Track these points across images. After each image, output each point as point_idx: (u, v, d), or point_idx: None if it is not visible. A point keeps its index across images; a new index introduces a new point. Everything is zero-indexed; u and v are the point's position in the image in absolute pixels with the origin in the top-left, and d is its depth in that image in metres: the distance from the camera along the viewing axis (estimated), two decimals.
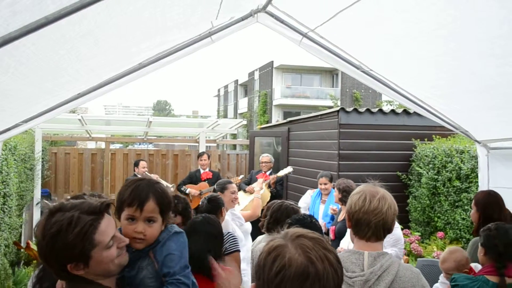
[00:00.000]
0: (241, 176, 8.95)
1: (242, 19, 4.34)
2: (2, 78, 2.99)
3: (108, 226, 1.94)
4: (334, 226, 5.75)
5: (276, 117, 40.69)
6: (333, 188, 6.40)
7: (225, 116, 57.07)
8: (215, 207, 4.51)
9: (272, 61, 41.97)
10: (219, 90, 64.03)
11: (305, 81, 43.27)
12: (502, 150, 5.18)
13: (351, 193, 2.63)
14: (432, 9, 3.11)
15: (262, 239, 4.44)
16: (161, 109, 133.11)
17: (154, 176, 8.84)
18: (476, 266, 3.64)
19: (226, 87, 59.39)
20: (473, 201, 4.25)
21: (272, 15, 4.23)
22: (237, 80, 53.70)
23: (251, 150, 11.61)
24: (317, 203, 6.69)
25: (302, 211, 5.88)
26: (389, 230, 2.53)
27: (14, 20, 2.16)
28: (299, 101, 41.34)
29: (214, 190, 5.23)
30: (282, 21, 4.28)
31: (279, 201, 4.26)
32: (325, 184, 6.61)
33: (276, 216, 4.04)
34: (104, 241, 1.89)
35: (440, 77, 4.27)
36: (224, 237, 3.84)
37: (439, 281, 3.85)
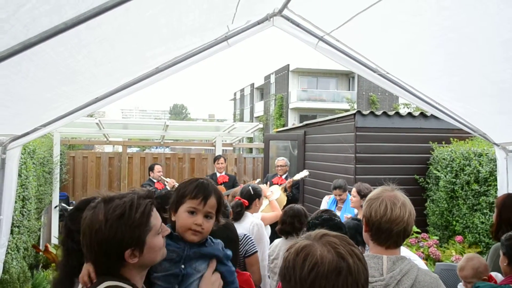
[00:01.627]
0: (258, 180, 8.95)
1: (258, 23, 4.35)
2: (21, 82, 3.04)
3: (157, 212, 2.01)
4: None
5: (292, 121, 40.63)
6: (349, 193, 6.38)
7: (241, 119, 57.16)
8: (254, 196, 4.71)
9: (288, 65, 41.97)
10: (235, 94, 64.18)
11: (321, 84, 43.19)
12: None
13: (369, 197, 2.60)
14: (445, 13, 3.10)
15: (279, 243, 4.44)
16: (178, 112, 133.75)
17: (171, 181, 8.87)
18: (497, 276, 3.59)
19: (242, 90, 59.49)
20: (495, 204, 4.23)
21: (288, 18, 4.24)
22: (253, 84, 53.78)
23: (266, 154, 11.61)
24: (332, 210, 6.66)
25: None
26: (408, 235, 2.51)
27: (33, 26, 2.20)
28: (315, 104, 41.26)
29: (249, 193, 5.20)
30: (298, 25, 4.29)
31: (296, 206, 4.26)
32: (340, 195, 6.59)
33: (293, 222, 4.04)
34: (156, 226, 1.95)
35: (456, 80, 4.24)
36: (242, 240, 3.86)
37: None
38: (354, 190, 5.96)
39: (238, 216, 4.84)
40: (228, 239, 3.34)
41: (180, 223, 2.32)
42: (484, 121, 4.99)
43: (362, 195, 5.62)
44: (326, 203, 6.92)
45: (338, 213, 6.44)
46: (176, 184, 8.68)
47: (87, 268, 1.91)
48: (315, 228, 3.20)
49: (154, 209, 1.97)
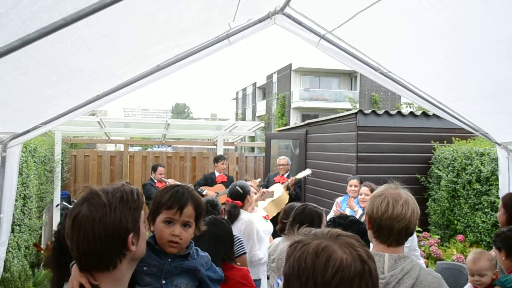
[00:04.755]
0: (259, 179, 8.94)
1: (260, 21, 4.34)
2: (21, 79, 3.03)
3: None
4: None
5: (295, 120, 40.62)
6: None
7: (243, 119, 57.15)
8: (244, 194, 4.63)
9: (291, 64, 41.92)
10: (237, 93, 64.19)
11: (324, 84, 43.17)
12: None
13: (372, 195, 2.59)
14: (447, 12, 3.09)
15: (280, 241, 4.42)
16: (180, 112, 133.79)
17: (171, 181, 8.87)
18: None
19: (244, 90, 59.49)
20: (501, 202, 4.22)
21: (289, 16, 4.23)
22: (255, 83, 53.76)
23: (267, 153, 11.62)
24: (343, 207, 6.63)
25: None
26: (411, 234, 2.49)
27: (32, 22, 2.19)
28: (318, 103, 41.22)
29: (238, 192, 5.19)
30: (299, 23, 4.28)
31: (301, 204, 4.23)
32: (356, 186, 6.56)
33: (299, 219, 4.02)
34: (143, 216, 1.91)
35: (458, 79, 4.24)
36: None
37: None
38: (366, 189, 5.94)
39: (234, 217, 4.86)
40: (215, 236, 3.34)
41: (158, 235, 2.28)
42: (486, 120, 4.97)
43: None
44: (339, 203, 6.84)
45: (348, 210, 6.41)
46: (177, 183, 8.71)
47: (78, 280, 1.81)
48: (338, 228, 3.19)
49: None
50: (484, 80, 3.95)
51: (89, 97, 4.47)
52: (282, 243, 4.12)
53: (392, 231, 2.41)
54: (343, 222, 3.45)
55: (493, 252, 3.60)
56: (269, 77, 48.38)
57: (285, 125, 39.44)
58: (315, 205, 4.20)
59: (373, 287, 1.46)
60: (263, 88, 51.89)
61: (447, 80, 4.44)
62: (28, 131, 4.57)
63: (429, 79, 4.62)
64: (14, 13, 2.04)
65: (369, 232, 2.54)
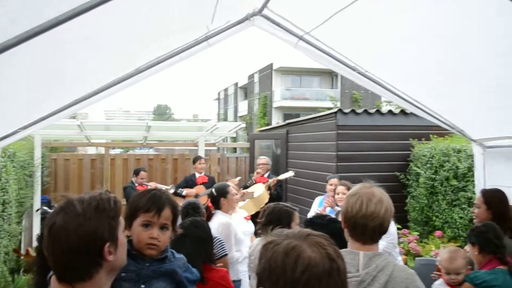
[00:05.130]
0: (239, 178, 8.99)
1: (238, 22, 4.38)
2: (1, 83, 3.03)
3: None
4: None
5: (276, 119, 40.70)
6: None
7: (225, 119, 57.13)
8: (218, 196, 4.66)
9: (272, 64, 42.03)
10: (219, 94, 64.14)
11: (305, 83, 43.36)
12: (497, 148, 5.21)
13: (347, 194, 2.65)
14: (421, 11, 3.19)
15: (259, 242, 4.46)
16: (162, 113, 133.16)
17: (153, 184, 8.89)
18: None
19: (226, 90, 59.49)
20: (482, 199, 4.25)
21: (268, 18, 4.29)
22: (237, 83, 53.80)
23: (251, 153, 11.69)
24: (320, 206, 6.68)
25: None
26: (385, 231, 2.54)
27: (12, 28, 2.20)
28: (299, 103, 41.42)
29: (212, 194, 5.26)
30: (278, 24, 4.34)
31: (273, 203, 4.28)
32: (336, 185, 6.56)
33: (269, 218, 4.06)
34: (122, 223, 1.90)
35: (433, 77, 4.35)
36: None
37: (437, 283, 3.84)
38: (343, 188, 5.98)
39: (208, 218, 4.93)
40: (197, 238, 3.38)
41: (136, 238, 2.31)
42: (461, 117, 5.08)
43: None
44: (317, 203, 6.92)
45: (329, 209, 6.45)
46: (158, 185, 8.72)
47: None
48: (317, 228, 3.24)
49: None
50: (459, 78, 4.06)
51: (69, 101, 4.47)
52: (260, 243, 4.17)
53: (366, 229, 2.46)
54: (321, 221, 3.49)
55: (467, 247, 3.68)
56: (251, 77, 48.45)
57: (267, 124, 39.51)
58: (286, 204, 4.25)
59: (342, 285, 1.51)
60: (244, 88, 51.93)
61: (422, 79, 4.54)
62: (7, 136, 4.54)
63: (406, 78, 4.72)
64: None
65: (345, 231, 2.60)
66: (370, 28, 3.87)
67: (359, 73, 4.74)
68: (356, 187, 2.62)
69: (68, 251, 1.74)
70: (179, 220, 3.05)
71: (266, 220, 3.96)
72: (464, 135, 5.41)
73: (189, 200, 5.13)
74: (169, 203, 2.37)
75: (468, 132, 5.33)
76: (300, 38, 4.44)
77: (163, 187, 8.76)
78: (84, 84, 4.31)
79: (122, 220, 1.88)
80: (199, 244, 3.31)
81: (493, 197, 4.19)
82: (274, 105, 41.87)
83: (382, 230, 2.51)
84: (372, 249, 2.50)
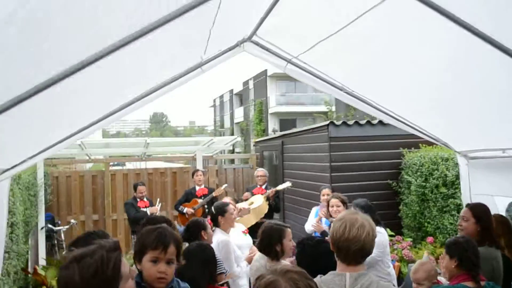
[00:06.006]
0: (224, 186, 9.58)
1: (230, 49, 4.62)
2: (11, 127, 3.30)
3: (124, 260, 2.15)
4: None
5: (272, 125, 40.89)
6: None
7: (222, 126, 57.34)
8: (194, 232, 4.82)
9: (266, 70, 42.12)
10: (214, 101, 64.37)
11: (299, 88, 43.37)
12: (480, 159, 5.45)
13: (335, 219, 2.93)
14: (401, 37, 3.50)
15: (259, 259, 4.70)
16: (158, 121, 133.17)
17: (154, 210, 9.10)
18: (441, 280, 3.98)
19: (221, 97, 59.69)
20: (469, 212, 4.43)
21: (257, 43, 4.50)
22: (232, 90, 53.99)
23: (261, 164, 12.22)
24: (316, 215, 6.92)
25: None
26: (367, 254, 2.79)
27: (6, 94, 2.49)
28: (294, 108, 41.58)
29: (211, 212, 5.52)
30: (267, 49, 4.57)
31: (266, 222, 4.53)
32: (328, 195, 6.77)
33: (262, 237, 4.29)
34: (126, 272, 2.08)
35: (416, 96, 4.61)
36: None
37: None
38: (337, 200, 6.15)
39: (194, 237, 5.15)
40: (203, 260, 3.65)
41: (146, 273, 2.61)
42: (444, 132, 5.34)
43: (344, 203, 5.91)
44: (313, 213, 7.16)
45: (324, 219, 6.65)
46: (155, 209, 9.11)
47: None
48: (307, 248, 3.58)
49: (122, 259, 2.09)
50: (441, 96, 4.33)
51: (73, 131, 4.72)
52: (260, 260, 4.43)
53: (349, 251, 2.72)
54: (310, 242, 3.77)
55: (442, 256, 3.90)
56: (245, 83, 48.64)
57: (263, 130, 39.68)
58: (278, 222, 4.52)
59: None
60: (240, 95, 52.11)
61: (406, 97, 4.81)
62: (16, 165, 4.78)
63: (391, 97, 4.97)
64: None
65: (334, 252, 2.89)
66: (355, 52, 4.13)
67: (346, 92, 4.99)
68: (342, 213, 2.92)
69: None
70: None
71: (260, 239, 4.24)
72: (448, 147, 5.68)
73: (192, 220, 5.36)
74: (174, 240, 2.67)
75: (452, 145, 5.59)
76: (289, 61, 4.69)
77: (155, 208, 9.02)
78: (88, 116, 4.58)
79: (124, 271, 2.06)
80: (204, 266, 3.58)
81: (482, 211, 4.44)
82: (270, 110, 42.03)
83: (364, 253, 2.76)
84: (358, 269, 2.76)
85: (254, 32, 4.34)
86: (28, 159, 4.78)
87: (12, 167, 4.78)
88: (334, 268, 2.84)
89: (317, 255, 3.32)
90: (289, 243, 4.16)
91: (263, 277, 1.90)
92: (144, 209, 9.13)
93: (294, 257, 4.14)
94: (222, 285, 4.17)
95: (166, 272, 2.60)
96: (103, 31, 2.63)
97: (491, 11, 2.77)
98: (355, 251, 2.72)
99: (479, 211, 4.46)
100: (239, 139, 13.37)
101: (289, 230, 4.27)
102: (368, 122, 9.21)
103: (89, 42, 2.60)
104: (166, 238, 2.64)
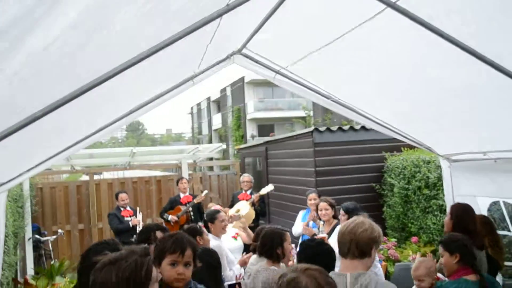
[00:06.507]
0: (205, 192, 9.91)
1: (220, 61, 4.78)
2: (13, 144, 3.41)
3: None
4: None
5: (251, 131, 40.97)
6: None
7: (200, 132, 57.28)
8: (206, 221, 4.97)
9: (243, 77, 42.05)
10: (192, 108, 64.26)
11: (277, 94, 43.38)
12: (462, 162, 5.70)
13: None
14: (385, 49, 3.71)
15: (257, 261, 4.84)
16: (134, 129, 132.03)
17: (136, 221, 8.98)
18: (440, 276, 4.19)
19: (198, 104, 59.62)
20: (449, 209, 4.84)
21: (247, 56, 4.68)
22: (209, 97, 53.92)
23: (243, 170, 12.38)
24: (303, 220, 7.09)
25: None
26: (364, 250, 2.96)
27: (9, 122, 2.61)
28: (273, 113, 41.67)
29: (204, 220, 5.68)
30: (256, 61, 4.76)
31: (268, 227, 4.70)
32: (315, 199, 6.97)
33: (263, 241, 4.44)
34: (155, 276, 2.23)
35: (399, 104, 4.84)
36: None
37: None
38: (325, 204, 6.30)
39: None
40: (208, 265, 3.81)
41: (165, 275, 2.81)
42: (428, 136, 5.59)
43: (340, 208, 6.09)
44: (300, 217, 7.36)
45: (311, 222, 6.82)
46: (138, 219, 8.97)
47: None
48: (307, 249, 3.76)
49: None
50: (423, 103, 4.56)
51: (64, 147, 4.81)
52: (257, 263, 4.58)
53: (345, 244, 2.98)
54: (311, 244, 3.95)
55: (440, 254, 4.10)
56: (223, 90, 48.64)
57: (242, 137, 39.72)
58: (278, 226, 4.71)
59: None
60: (217, 102, 52.10)
61: (390, 105, 5.04)
62: (12, 179, 4.86)
63: (375, 104, 5.19)
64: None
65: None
66: (341, 62, 4.35)
67: (333, 100, 5.18)
68: (352, 219, 3.14)
69: None
70: None
71: (261, 243, 4.39)
72: (431, 150, 5.92)
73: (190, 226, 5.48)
74: (190, 244, 2.93)
75: (435, 149, 5.83)
76: (277, 72, 4.90)
77: (137, 220, 8.97)
78: (83, 131, 4.69)
79: (154, 275, 2.20)
80: (211, 270, 3.76)
81: (459, 209, 4.72)
82: (248, 117, 42.07)
83: (360, 248, 2.95)
84: (357, 268, 2.95)
85: (244, 45, 4.51)
86: (24, 172, 4.88)
87: (9, 181, 4.87)
88: (334, 269, 3.04)
89: (318, 256, 3.50)
90: (289, 246, 4.35)
91: (285, 275, 2.08)
92: (128, 218, 9.10)
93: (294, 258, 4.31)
94: (234, 285, 4.33)
95: (184, 273, 2.83)
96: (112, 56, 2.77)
97: (471, 27, 3.00)
98: (350, 243, 2.95)
99: (456, 208, 4.75)
100: (224, 146, 13.50)
101: (288, 233, 4.45)
102: (351, 128, 9.45)
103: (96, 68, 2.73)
104: (183, 243, 2.88)
